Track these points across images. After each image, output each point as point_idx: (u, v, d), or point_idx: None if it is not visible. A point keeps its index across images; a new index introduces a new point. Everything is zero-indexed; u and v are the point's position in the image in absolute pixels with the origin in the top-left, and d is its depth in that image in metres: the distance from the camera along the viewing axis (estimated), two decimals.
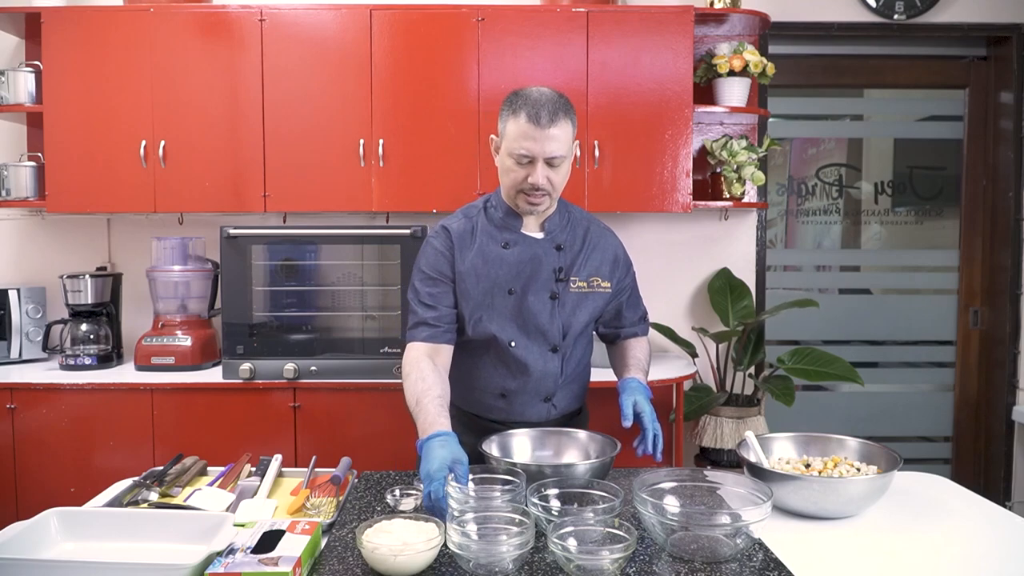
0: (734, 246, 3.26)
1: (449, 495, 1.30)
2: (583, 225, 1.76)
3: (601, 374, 2.61)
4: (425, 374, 1.56)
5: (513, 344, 1.68)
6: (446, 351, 1.66)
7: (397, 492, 1.46)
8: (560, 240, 1.71)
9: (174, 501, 1.49)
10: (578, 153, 2.82)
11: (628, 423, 1.61)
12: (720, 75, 2.96)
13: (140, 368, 2.74)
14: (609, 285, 1.75)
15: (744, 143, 2.98)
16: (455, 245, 1.68)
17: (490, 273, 1.67)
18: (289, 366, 2.60)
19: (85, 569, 1.12)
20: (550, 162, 1.57)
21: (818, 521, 1.41)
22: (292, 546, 1.17)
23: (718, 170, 3.06)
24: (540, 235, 1.70)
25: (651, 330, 3.02)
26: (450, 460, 1.34)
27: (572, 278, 1.70)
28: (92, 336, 2.83)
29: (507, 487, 1.37)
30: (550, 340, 1.70)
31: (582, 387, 1.84)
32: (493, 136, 1.68)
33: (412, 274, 1.71)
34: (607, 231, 1.80)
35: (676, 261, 3.24)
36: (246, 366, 2.60)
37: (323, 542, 1.29)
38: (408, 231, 2.62)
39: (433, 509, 1.28)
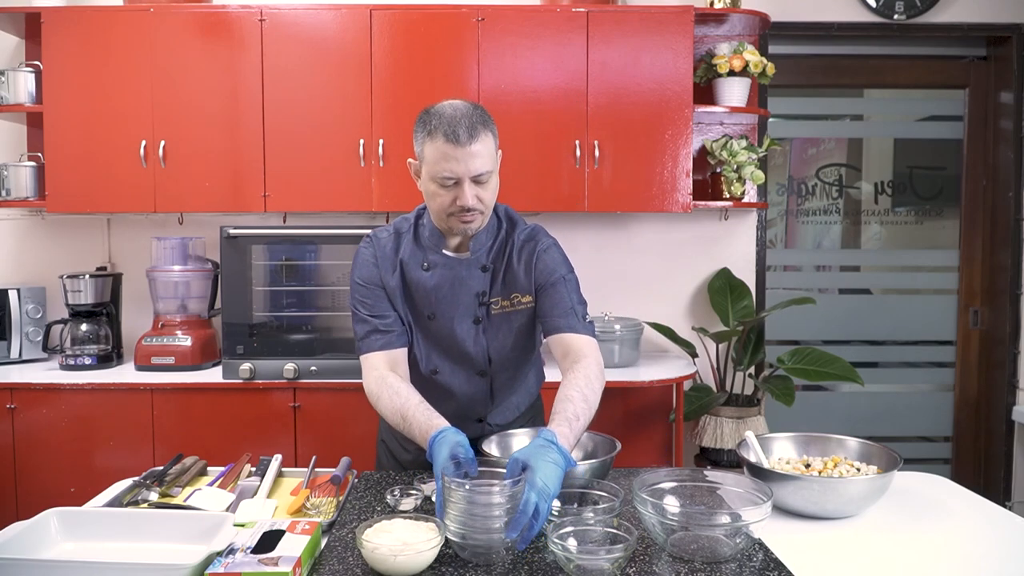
0: (734, 246, 3.26)
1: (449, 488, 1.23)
2: (510, 237, 1.63)
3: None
4: (397, 388, 1.51)
5: (436, 372, 1.65)
6: (402, 358, 1.61)
7: (397, 492, 1.46)
8: (487, 260, 1.60)
9: (174, 501, 1.49)
10: (579, 154, 2.82)
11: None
12: (720, 75, 2.96)
13: (140, 368, 2.74)
14: (531, 298, 1.61)
15: (744, 143, 2.98)
16: (379, 261, 1.61)
17: (408, 296, 1.62)
18: (289, 366, 2.60)
19: (85, 569, 1.12)
20: (477, 180, 1.47)
21: (818, 521, 1.41)
22: (292, 546, 1.17)
23: (718, 170, 3.06)
24: (465, 255, 1.60)
25: (651, 330, 3.05)
26: (450, 452, 1.31)
27: (494, 299, 1.61)
28: (92, 336, 2.83)
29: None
30: (476, 365, 1.65)
31: (525, 397, 1.78)
32: (411, 160, 1.57)
33: (350, 285, 1.63)
34: (535, 234, 1.64)
35: (676, 261, 3.24)
36: (246, 366, 2.60)
37: (323, 542, 1.29)
38: None
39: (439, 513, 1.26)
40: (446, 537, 1.21)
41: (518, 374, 1.73)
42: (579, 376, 1.47)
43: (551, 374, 1.88)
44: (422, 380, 1.64)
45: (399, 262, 1.61)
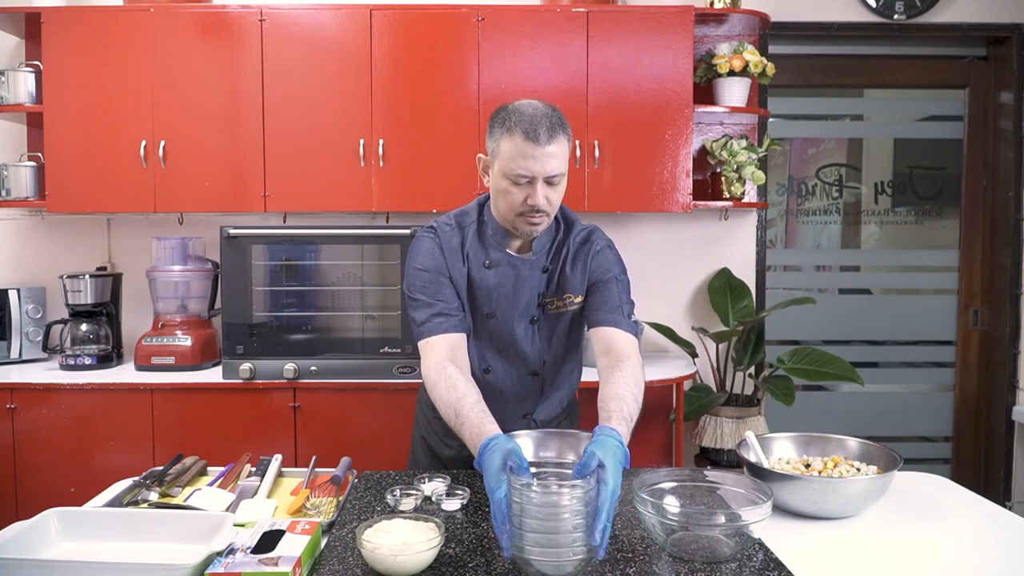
0: (734, 246, 3.26)
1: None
2: (567, 238, 1.65)
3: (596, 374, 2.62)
4: (455, 382, 1.44)
5: (488, 371, 1.64)
6: (463, 345, 1.57)
7: (397, 492, 1.46)
8: (547, 262, 1.63)
9: (174, 501, 1.49)
10: (579, 154, 2.82)
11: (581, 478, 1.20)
12: (720, 75, 2.96)
13: (140, 368, 2.74)
14: (582, 298, 1.64)
15: (744, 143, 2.98)
16: (445, 252, 1.60)
17: (470, 294, 1.61)
18: (289, 366, 2.60)
19: (85, 569, 1.12)
20: (549, 181, 1.48)
21: (818, 521, 1.41)
22: (292, 546, 1.17)
23: (718, 170, 3.06)
24: (527, 256, 1.61)
25: (651, 330, 3.05)
26: (502, 462, 1.20)
27: (549, 299, 1.63)
28: (92, 336, 2.83)
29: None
30: (530, 365, 1.66)
31: (568, 392, 1.78)
32: (481, 156, 1.59)
33: (408, 274, 1.61)
34: (590, 235, 1.66)
35: (676, 261, 3.24)
36: (246, 366, 2.60)
37: (323, 542, 1.29)
38: (408, 231, 2.62)
39: (500, 527, 1.16)
40: (513, 555, 1.15)
41: (565, 371, 1.74)
42: (628, 376, 1.46)
43: (588, 373, 1.91)
44: (474, 379, 1.59)
45: (465, 260, 1.61)
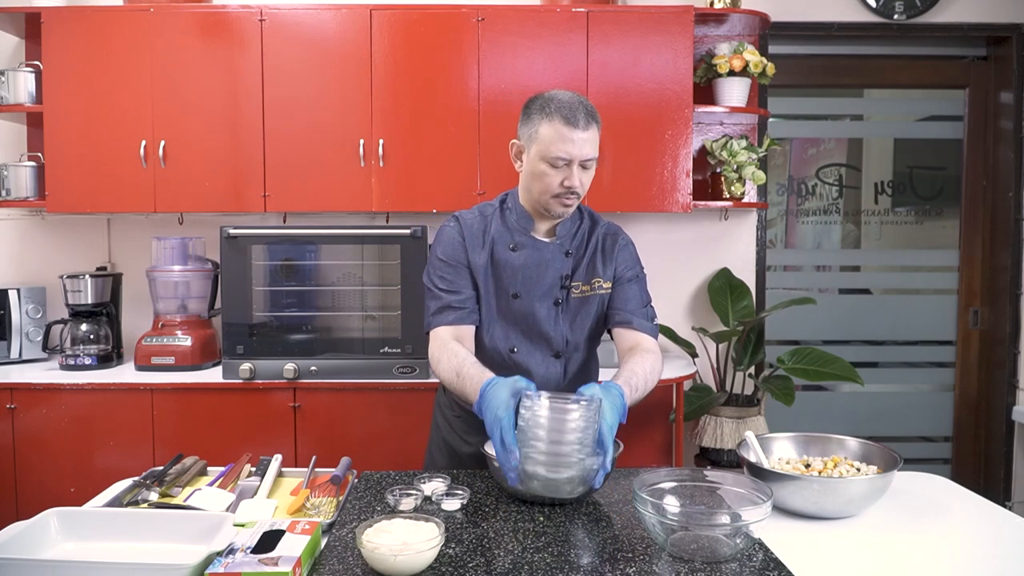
0: (734, 246, 3.26)
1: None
2: (593, 229, 1.74)
3: (608, 375, 2.62)
4: (456, 350, 1.57)
5: (514, 351, 1.69)
6: (469, 334, 1.66)
7: (397, 492, 1.46)
8: (569, 246, 1.70)
9: (174, 501, 1.49)
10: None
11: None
12: (720, 75, 2.96)
13: (140, 368, 2.74)
14: (610, 284, 1.73)
15: (744, 143, 2.98)
16: (466, 239, 1.68)
17: (496, 275, 1.68)
18: (289, 366, 2.60)
19: (85, 569, 1.12)
20: (584, 164, 1.58)
21: (818, 521, 1.41)
22: (292, 546, 1.17)
23: (718, 170, 3.06)
24: (551, 240, 1.70)
25: None
26: (509, 395, 1.35)
27: (575, 283, 1.70)
28: (92, 336, 2.83)
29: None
30: (553, 346, 1.70)
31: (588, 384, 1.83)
32: (514, 141, 1.66)
33: (428, 262, 1.71)
34: (616, 229, 1.78)
35: (676, 261, 3.24)
36: (246, 366, 2.60)
37: (323, 542, 1.29)
38: (408, 231, 2.62)
39: (505, 458, 1.30)
40: (522, 470, 1.28)
41: (587, 362, 1.78)
42: (647, 361, 1.60)
43: (604, 376, 1.92)
44: (501, 359, 1.68)
45: (489, 240, 1.69)
